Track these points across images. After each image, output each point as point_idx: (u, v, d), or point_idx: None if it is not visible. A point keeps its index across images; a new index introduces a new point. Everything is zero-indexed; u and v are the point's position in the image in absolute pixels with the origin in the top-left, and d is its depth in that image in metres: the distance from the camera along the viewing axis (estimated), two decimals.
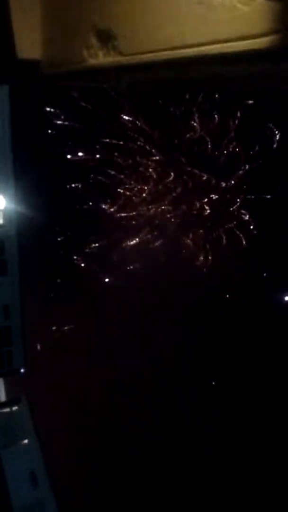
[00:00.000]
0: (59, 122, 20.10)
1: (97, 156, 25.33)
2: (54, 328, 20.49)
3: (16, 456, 21.45)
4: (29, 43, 3.24)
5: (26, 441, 22.20)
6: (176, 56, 1.87)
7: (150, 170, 27.98)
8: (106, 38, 2.43)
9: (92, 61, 2.61)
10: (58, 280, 21.48)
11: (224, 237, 28.17)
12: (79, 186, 24.86)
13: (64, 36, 2.93)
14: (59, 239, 22.61)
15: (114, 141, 25.31)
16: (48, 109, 17.14)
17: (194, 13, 1.65)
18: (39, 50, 3.25)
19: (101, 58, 2.53)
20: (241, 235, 27.90)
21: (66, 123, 21.40)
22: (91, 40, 2.58)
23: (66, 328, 20.75)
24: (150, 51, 2.05)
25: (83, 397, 16.59)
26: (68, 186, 22.88)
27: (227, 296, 25.17)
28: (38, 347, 22.27)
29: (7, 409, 23.73)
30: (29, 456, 21.52)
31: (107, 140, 24.89)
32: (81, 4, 2.66)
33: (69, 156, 23.01)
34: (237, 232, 28.09)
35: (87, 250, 25.92)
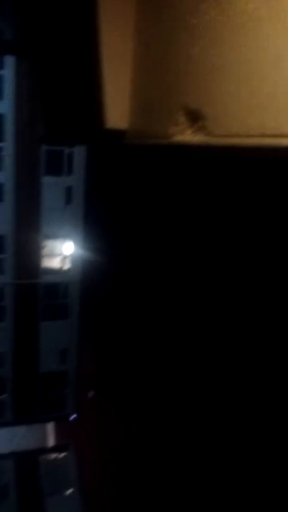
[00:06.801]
0: (133, 183, 20.87)
1: None
2: (107, 376, 20.33)
3: (59, 506, 20.97)
4: (118, 114, 3.40)
5: (70, 491, 21.72)
6: (266, 143, 1.87)
7: None
8: (195, 117, 2.48)
9: (178, 138, 2.67)
10: (114, 328, 21.59)
11: None
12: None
13: (152, 110, 3.04)
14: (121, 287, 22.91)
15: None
16: (125, 170, 17.86)
17: None
18: (127, 121, 3.40)
19: (188, 136, 2.58)
20: None
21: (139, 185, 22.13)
22: (180, 117, 2.65)
23: (119, 378, 20.57)
24: (239, 135, 2.06)
25: (130, 451, 16.11)
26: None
27: None
28: (90, 394, 22.08)
29: (54, 455, 23.48)
30: (72, 507, 20.96)
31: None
32: (172, 82, 2.74)
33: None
34: None
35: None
